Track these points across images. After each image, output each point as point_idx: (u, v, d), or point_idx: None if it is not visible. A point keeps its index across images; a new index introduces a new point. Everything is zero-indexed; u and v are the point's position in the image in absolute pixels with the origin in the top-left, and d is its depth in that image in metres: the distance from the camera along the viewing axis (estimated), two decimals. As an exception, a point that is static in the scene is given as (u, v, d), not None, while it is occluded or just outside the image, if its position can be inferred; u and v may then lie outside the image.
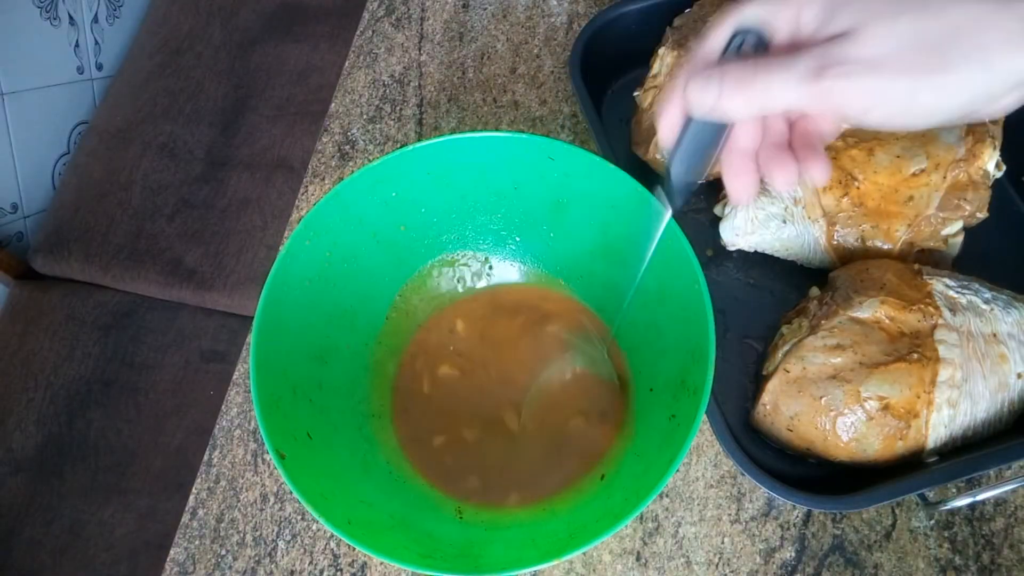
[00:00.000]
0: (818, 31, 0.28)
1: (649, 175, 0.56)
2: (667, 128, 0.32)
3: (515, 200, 0.49)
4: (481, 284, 0.54)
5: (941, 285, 0.45)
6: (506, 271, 0.54)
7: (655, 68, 0.54)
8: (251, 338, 0.42)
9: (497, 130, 0.48)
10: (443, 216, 0.50)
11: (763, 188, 0.51)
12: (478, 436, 0.48)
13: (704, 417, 0.38)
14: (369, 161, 0.45)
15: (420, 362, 0.51)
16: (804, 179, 0.35)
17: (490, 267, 0.54)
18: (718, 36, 0.30)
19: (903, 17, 0.25)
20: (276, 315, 0.43)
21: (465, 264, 0.53)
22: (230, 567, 0.50)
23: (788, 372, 0.45)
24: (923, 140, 0.49)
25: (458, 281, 0.53)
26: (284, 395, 0.42)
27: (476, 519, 0.45)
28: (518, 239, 0.52)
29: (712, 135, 0.32)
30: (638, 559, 0.48)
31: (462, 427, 0.49)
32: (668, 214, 0.38)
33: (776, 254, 0.53)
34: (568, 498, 0.44)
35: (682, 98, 0.31)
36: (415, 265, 0.52)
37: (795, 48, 0.28)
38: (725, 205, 0.53)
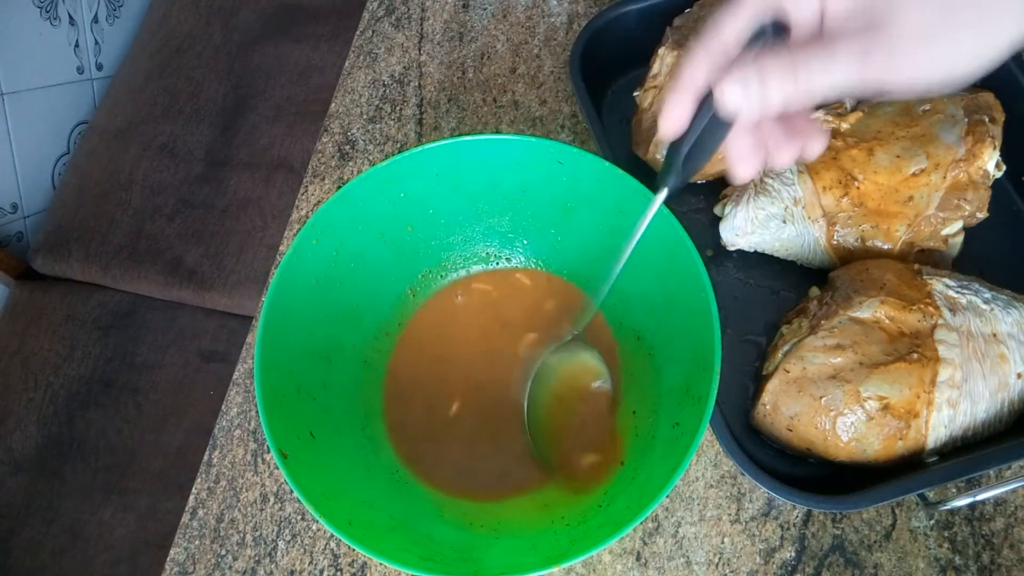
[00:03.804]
0: (849, 19, 0.29)
1: (650, 175, 0.56)
2: (675, 121, 0.33)
3: (523, 203, 0.49)
4: (487, 286, 0.54)
5: (941, 285, 0.45)
6: (513, 272, 0.53)
7: (655, 68, 0.54)
8: (254, 337, 0.42)
9: (507, 133, 0.48)
10: (451, 217, 0.50)
11: (763, 188, 0.51)
12: (481, 436, 0.48)
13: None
14: (370, 161, 0.45)
15: (425, 362, 0.51)
16: (805, 161, 0.36)
17: (496, 269, 0.53)
18: (735, 27, 0.31)
19: None
20: (281, 314, 0.43)
21: (471, 265, 0.53)
22: (230, 567, 0.50)
23: (788, 372, 0.45)
24: (923, 140, 0.49)
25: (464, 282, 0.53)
26: (288, 394, 0.42)
27: (477, 523, 0.45)
28: (525, 242, 0.52)
29: (723, 128, 0.32)
30: (638, 559, 0.48)
31: (465, 426, 0.49)
32: (662, 196, 0.39)
33: (776, 254, 0.53)
34: (570, 502, 0.44)
35: (693, 91, 0.31)
36: (421, 266, 0.52)
37: (822, 38, 0.29)
38: (725, 205, 0.53)
